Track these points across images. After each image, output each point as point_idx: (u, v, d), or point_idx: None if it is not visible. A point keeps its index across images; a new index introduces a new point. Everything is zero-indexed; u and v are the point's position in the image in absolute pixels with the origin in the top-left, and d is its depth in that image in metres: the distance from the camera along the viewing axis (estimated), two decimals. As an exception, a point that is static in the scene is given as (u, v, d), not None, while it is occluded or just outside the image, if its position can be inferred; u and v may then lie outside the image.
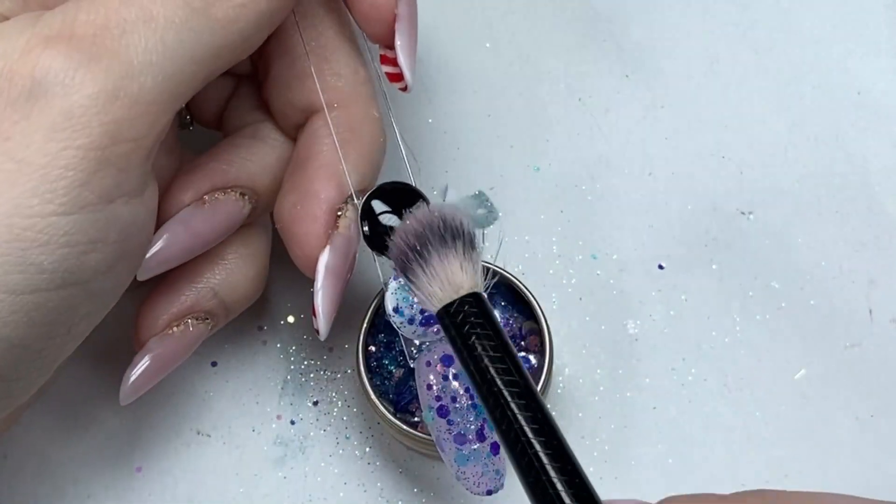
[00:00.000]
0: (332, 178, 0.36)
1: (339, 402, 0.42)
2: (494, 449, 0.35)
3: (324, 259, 0.36)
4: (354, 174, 0.36)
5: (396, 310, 0.36)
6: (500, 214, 0.44)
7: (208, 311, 0.38)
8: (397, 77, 0.37)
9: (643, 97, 0.46)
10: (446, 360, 0.35)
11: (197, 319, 0.37)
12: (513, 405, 0.28)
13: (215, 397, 0.42)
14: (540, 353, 0.39)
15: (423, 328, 0.36)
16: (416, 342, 0.38)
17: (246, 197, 0.37)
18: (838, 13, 0.47)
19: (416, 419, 0.38)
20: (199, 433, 0.41)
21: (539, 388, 0.37)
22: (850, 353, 0.42)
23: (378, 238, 0.35)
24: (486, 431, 0.35)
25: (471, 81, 0.47)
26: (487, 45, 0.47)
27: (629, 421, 0.41)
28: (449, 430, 0.35)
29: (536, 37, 0.47)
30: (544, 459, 0.27)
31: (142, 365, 0.37)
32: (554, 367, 0.41)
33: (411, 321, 0.36)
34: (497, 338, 0.29)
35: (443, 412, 0.35)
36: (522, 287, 0.39)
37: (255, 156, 0.38)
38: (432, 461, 0.40)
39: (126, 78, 0.30)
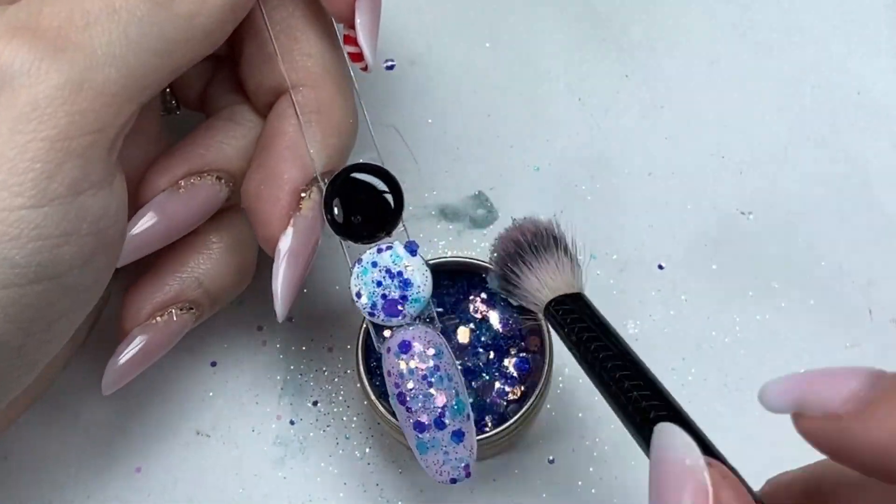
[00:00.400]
0: (296, 160, 0.35)
1: (339, 403, 0.42)
2: (457, 437, 0.35)
3: (284, 241, 0.35)
4: (321, 156, 0.36)
5: (359, 295, 0.35)
6: (500, 214, 0.44)
7: (193, 300, 0.38)
8: (358, 57, 0.36)
9: (643, 97, 0.46)
10: (403, 348, 0.35)
11: (181, 309, 0.37)
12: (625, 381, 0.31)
13: (215, 397, 0.42)
14: (540, 354, 0.39)
15: (387, 314, 0.36)
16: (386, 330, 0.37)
17: (222, 180, 0.37)
18: (838, 13, 0.47)
19: None
20: (198, 433, 0.41)
21: (539, 388, 0.37)
22: (850, 352, 0.42)
23: (343, 223, 0.35)
24: (447, 419, 0.35)
25: (471, 81, 0.47)
26: (487, 45, 0.47)
27: (629, 421, 0.41)
28: (408, 417, 0.35)
29: (536, 37, 0.47)
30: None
31: (124, 355, 0.37)
32: (554, 367, 0.41)
33: (374, 306, 0.35)
34: (600, 328, 0.33)
35: (401, 399, 0.35)
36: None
37: (232, 139, 0.38)
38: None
39: (90, 69, 0.30)
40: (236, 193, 0.38)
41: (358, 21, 0.36)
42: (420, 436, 0.35)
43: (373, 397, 0.38)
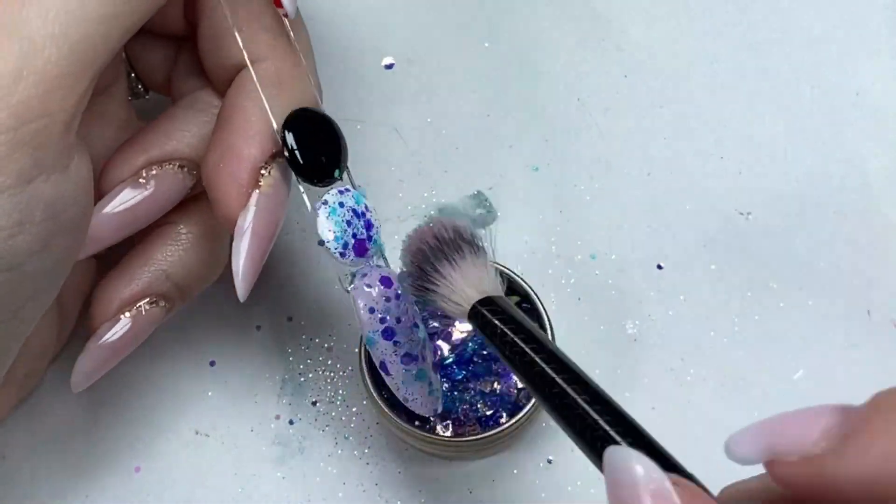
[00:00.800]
0: (254, 136, 0.34)
1: (338, 402, 0.42)
2: (435, 366, 0.36)
3: (243, 218, 0.34)
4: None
5: (330, 234, 0.35)
6: (499, 214, 0.44)
7: (162, 294, 0.37)
8: (277, 2, 0.35)
9: (642, 97, 0.46)
10: (385, 282, 0.35)
11: (150, 304, 0.37)
12: (554, 376, 0.29)
13: (214, 397, 0.42)
14: None
15: (357, 254, 0.35)
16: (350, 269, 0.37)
17: (185, 169, 0.36)
18: (838, 13, 0.47)
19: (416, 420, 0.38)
20: (197, 433, 0.41)
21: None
22: (849, 353, 0.42)
23: (307, 164, 0.34)
24: (427, 350, 0.35)
25: (471, 81, 0.47)
26: (487, 45, 0.47)
27: (628, 421, 0.41)
28: (395, 351, 0.35)
29: (536, 37, 0.47)
30: (607, 428, 0.28)
31: (93, 351, 0.36)
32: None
33: (346, 246, 0.35)
34: (527, 329, 0.31)
35: (388, 334, 0.35)
36: (524, 283, 0.39)
37: (194, 126, 0.37)
38: (431, 460, 0.40)
39: (29, 55, 0.29)
40: (197, 185, 0.37)
41: None
42: (408, 367, 0.35)
43: (374, 395, 0.38)
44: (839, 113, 0.45)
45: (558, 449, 0.41)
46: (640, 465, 0.25)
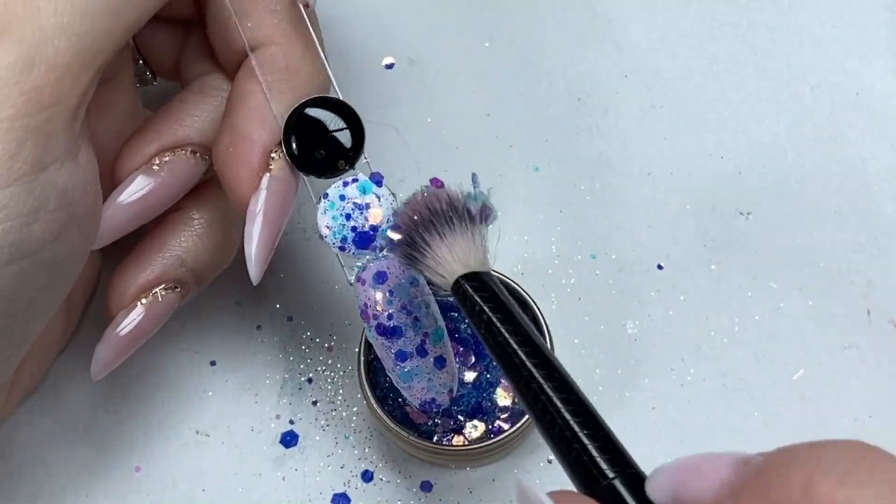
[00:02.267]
0: (265, 120, 0.34)
1: (339, 402, 0.42)
2: (439, 363, 0.35)
3: (255, 202, 0.34)
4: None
5: (328, 228, 0.35)
6: (500, 214, 0.44)
7: (177, 279, 0.37)
8: None
9: (642, 97, 0.46)
10: (379, 278, 0.35)
11: (166, 290, 0.37)
12: (528, 363, 0.29)
13: (214, 397, 0.42)
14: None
15: (358, 247, 0.35)
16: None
17: (197, 154, 0.37)
18: (838, 14, 0.47)
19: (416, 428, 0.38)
20: (198, 433, 0.41)
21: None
22: (849, 353, 0.42)
23: (304, 157, 0.35)
24: (428, 346, 0.35)
25: (471, 81, 0.47)
26: (487, 45, 0.47)
27: (628, 421, 0.41)
28: (389, 348, 0.35)
29: (536, 37, 0.47)
30: (567, 416, 0.28)
31: (112, 340, 0.37)
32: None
33: (344, 240, 0.35)
34: (507, 310, 0.31)
35: (381, 330, 0.35)
36: (519, 289, 0.39)
37: (204, 111, 0.37)
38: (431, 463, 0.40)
39: (40, 44, 0.30)
40: (210, 170, 0.37)
41: None
42: (402, 364, 0.35)
43: (373, 402, 0.38)
44: (839, 113, 0.45)
45: (558, 449, 0.41)
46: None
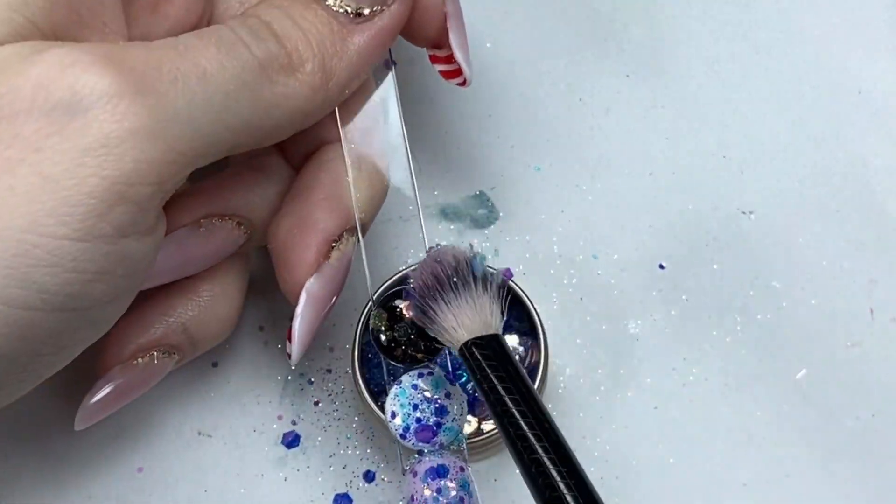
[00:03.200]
0: (333, 210, 0.36)
1: (341, 403, 0.42)
2: None
3: (309, 287, 0.35)
4: (358, 208, 0.36)
5: (394, 416, 0.36)
6: (501, 214, 0.44)
7: (175, 345, 0.38)
8: (455, 73, 0.38)
9: (644, 97, 0.46)
10: (431, 474, 0.35)
11: (163, 353, 0.37)
12: (529, 435, 0.30)
13: (216, 398, 0.42)
14: (535, 349, 0.39)
15: (419, 440, 0.36)
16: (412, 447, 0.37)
17: (242, 227, 0.37)
18: (838, 13, 0.47)
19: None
20: (200, 433, 0.41)
21: (536, 387, 0.38)
22: (851, 352, 0.42)
23: (388, 345, 0.36)
24: None
25: (472, 81, 0.46)
26: (488, 45, 0.47)
27: (630, 421, 0.41)
28: None
29: (536, 37, 0.47)
30: (563, 488, 0.29)
31: (102, 391, 0.37)
32: (555, 367, 0.41)
33: (407, 429, 0.36)
34: (512, 376, 0.32)
35: None
36: (517, 288, 0.39)
37: (258, 187, 0.38)
38: (433, 461, 0.40)
39: (167, 122, 0.30)
40: (248, 243, 0.38)
41: (453, 40, 0.37)
42: None
43: (370, 402, 0.38)
44: (841, 112, 0.45)
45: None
46: None
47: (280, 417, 0.41)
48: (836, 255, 0.43)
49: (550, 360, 0.40)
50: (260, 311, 0.43)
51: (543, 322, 0.39)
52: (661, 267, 0.43)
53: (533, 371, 0.39)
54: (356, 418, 0.41)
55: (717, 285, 0.43)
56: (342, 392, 0.42)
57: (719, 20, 0.47)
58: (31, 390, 0.40)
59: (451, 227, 0.44)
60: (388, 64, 0.38)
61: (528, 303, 0.39)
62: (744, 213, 0.44)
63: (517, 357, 0.39)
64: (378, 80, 0.39)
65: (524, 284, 0.41)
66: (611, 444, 0.41)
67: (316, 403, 0.42)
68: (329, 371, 0.42)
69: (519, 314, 0.40)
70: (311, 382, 0.42)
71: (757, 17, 0.47)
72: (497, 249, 0.44)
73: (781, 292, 0.43)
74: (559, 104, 0.46)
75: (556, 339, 0.42)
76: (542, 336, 0.39)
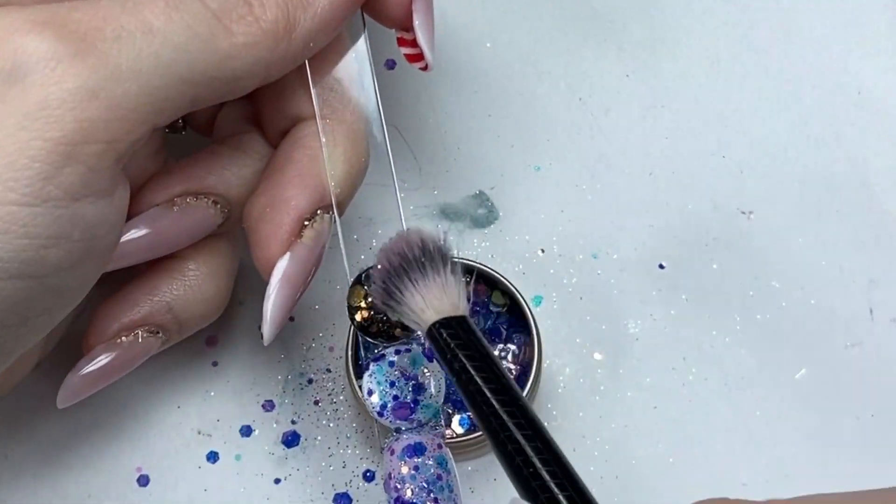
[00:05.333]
0: (306, 188, 0.35)
1: (340, 402, 0.42)
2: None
3: (281, 265, 0.35)
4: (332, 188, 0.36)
5: (370, 393, 0.36)
6: (501, 214, 0.44)
7: (161, 325, 0.37)
8: (417, 57, 0.37)
9: (643, 97, 0.46)
10: (408, 452, 0.35)
11: (148, 333, 0.37)
12: (501, 412, 0.30)
13: (216, 397, 0.42)
14: (528, 348, 0.39)
15: (396, 417, 0.36)
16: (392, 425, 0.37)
17: (218, 206, 0.37)
18: (838, 13, 0.47)
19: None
20: (199, 433, 0.41)
21: (529, 384, 0.38)
22: (851, 352, 0.42)
23: (366, 322, 0.36)
24: None
25: (471, 81, 0.47)
26: (488, 44, 0.47)
27: (630, 420, 0.41)
28: None
29: (536, 37, 0.47)
30: (538, 464, 0.29)
31: (85, 370, 0.36)
32: (555, 366, 0.41)
33: (384, 407, 0.36)
34: (483, 356, 0.31)
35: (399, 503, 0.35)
36: (512, 288, 0.39)
37: (235, 166, 0.37)
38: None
39: (110, 80, 0.30)
40: (228, 222, 0.38)
41: (416, 22, 0.36)
42: None
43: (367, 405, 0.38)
44: (841, 112, 0.45)
45: (560, 448, 0.41)
46: None
47: (280, 417, 0.41)
48: (835, 255, 0.43)
49: (550, 360, 0.40)
50: (260, 311, 0.43)
51: (543, 322, 0.39)
52: (661, 267, 0.43)
53: (526, 368, 0.39)
54: (356, 418, 0.41)
55: (716, 285, 0.43)
56: (342, 391, 0.42)
57: (719, 20, 0.47)
58: (31, 390, 0.40)
59: (451, 226, 0.44)
60: (362, 29, 0.37)
61: (521, 301, 0.39)
62: (743, 213, 0.44)
63: (510, 353, 0.39)
64: (353, 46, 0.38)
65: (524, 284, 0.41)
66: (611, 443, 0.41)
67: (315, 403, 0.42)
68: (329, 371, 0.42)
69: (513, 310, 0.40)
70: (311, 382, 0.42)
71: (757, 17, 0.47)
72: (497, 249, 0.44)
73: (781, 292, 0.43)
74: (559, 104, 0.46)
75: (556, 338, 0.42)
76: (534, 332, 0.39)
